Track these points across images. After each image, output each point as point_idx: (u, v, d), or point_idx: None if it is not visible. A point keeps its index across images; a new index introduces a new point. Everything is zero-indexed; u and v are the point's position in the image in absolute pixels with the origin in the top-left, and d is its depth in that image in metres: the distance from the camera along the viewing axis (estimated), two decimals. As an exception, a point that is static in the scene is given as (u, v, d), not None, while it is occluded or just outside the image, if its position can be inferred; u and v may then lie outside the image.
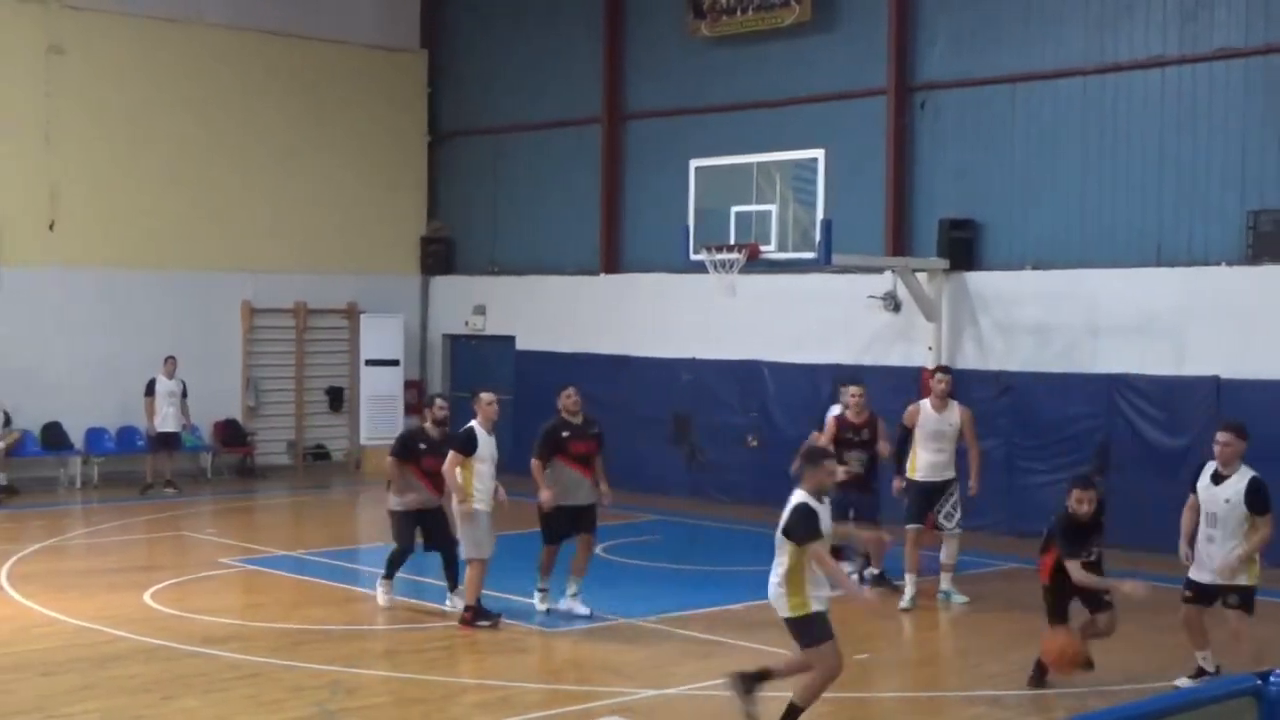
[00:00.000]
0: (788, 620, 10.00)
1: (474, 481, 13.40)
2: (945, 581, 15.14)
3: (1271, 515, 11.08)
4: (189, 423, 23.44)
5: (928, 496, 14.98)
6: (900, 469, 15.24)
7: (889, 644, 13.70)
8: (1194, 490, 11.38)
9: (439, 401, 14.43)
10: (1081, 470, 11.77)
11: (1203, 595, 11.39)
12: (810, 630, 9.93)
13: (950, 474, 15.02)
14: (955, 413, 15.11)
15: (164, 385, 22.85)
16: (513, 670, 11.94)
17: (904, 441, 15.20)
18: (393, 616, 14.16)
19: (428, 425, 14.26)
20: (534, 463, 13.97)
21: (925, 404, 15.18)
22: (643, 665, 12.34)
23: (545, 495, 13.78)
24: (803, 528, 9.77)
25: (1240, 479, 11.04)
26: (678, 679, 11.88)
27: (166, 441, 22.98)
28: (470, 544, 13.44)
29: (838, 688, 11.94)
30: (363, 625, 13.93)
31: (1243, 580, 11.17)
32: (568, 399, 14.20)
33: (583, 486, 13.99)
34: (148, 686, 11.40)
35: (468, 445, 13.45)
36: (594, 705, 11.03)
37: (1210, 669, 11.46)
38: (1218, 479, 11.14)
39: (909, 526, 14.98)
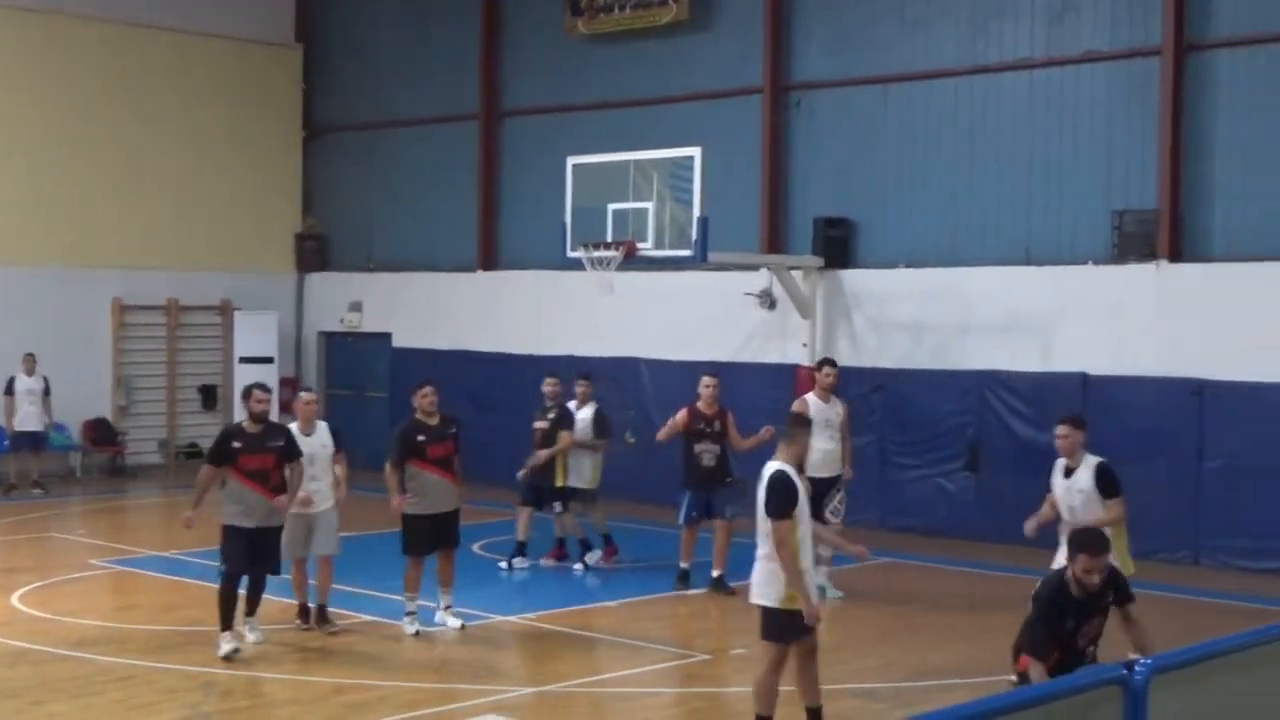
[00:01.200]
0: (760, 609, 9.74)
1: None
2: (821, 576, 15.25)
3: (1123, 498, 11.17)
4: (51, 421, 22.90)
5: (822, 490, 15.13)
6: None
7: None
8: (1050, 489, 11.43)
9: (257, 393, 12.67)
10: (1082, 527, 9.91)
11: None
12: (767, 623, 9.76)
13: (839, 468, 15.18)
14: (839, 404, 15.31)
15: (23, 383, 22.24)
16: (388, 670, 11.88)
17: None
18: (266, 617, 14.01)
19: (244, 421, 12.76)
20: (387, 467, 13.35)
21: (811, 397, 15.33)
22: (519, 663, 12.36)
23: (395, 501, 13.28)
24: (777, 499, 9.53)
25: (1087, 468, 11.15)
26: (554, 676, 11.91)
27: (29, 441, 22.41)
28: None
29: (707, 683, 12.07)
30: (236, 627, 13.76)
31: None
32: (424, 399, 13.52)
33: (445, 491, 13.36)
34: (16, 692, 11.19)
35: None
36: (471, 704, 11.02)
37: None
38: (1068, 473, 11.19)
39: None
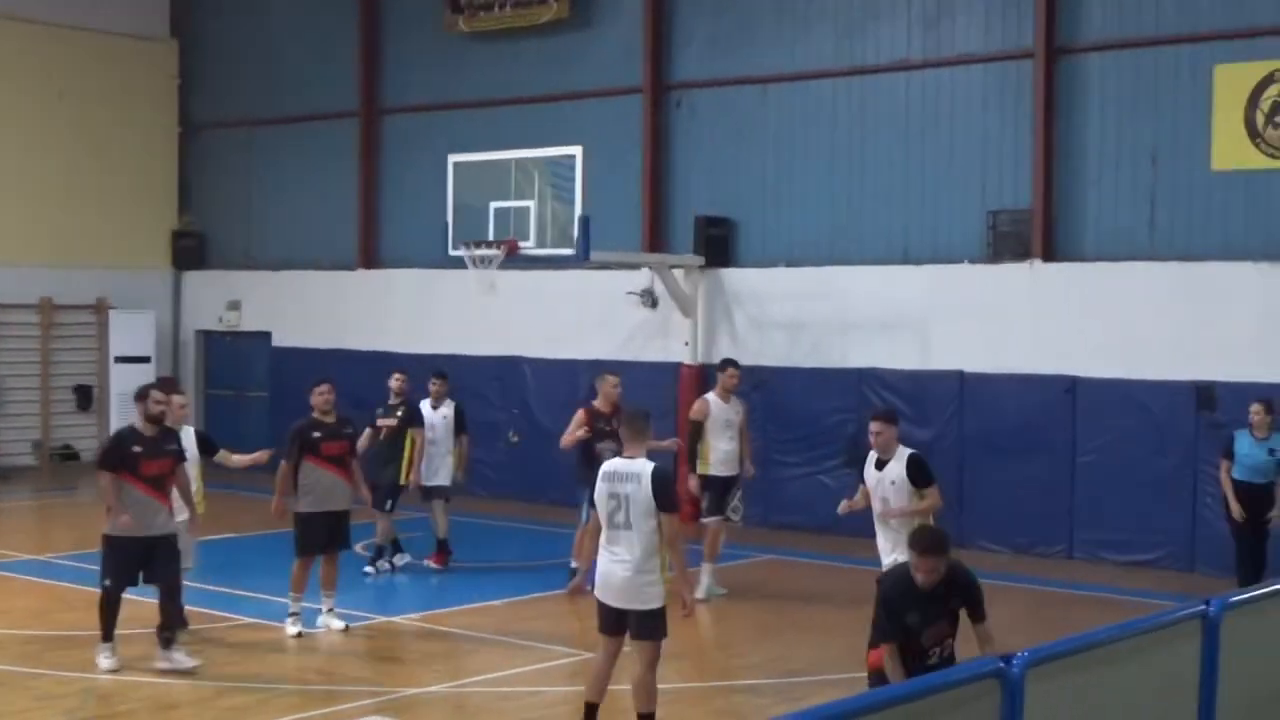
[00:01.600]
0: (653, 612, 9.67)
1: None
2: (706, 574, 15.35)
3: (937, 487, 11.20)
4: None
5: (725, 488, 15.27)
6: (693, 466, 15.38)
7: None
8: (862, 480, 11.44)
9: (154, 394, 11.96)
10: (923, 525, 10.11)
11: None
12: (664, 623, 9.80)
13: (739, 467, 15.43)
14: (740, 404, 15.56)
15: None
16: (271, 672, 11.78)
17: (695, 437, 15.35)
18: (145, 620, 13.83)
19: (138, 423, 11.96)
20: (282, 465, 13.30)
21: (711, 397, 15.45)
22: (404, 663, 12.30)
23: (275, 503, 13.22)
24: (675, 495, 9.78)
25: (899, 460, 11.13)
26: (440, 676, 11.89)
27: None
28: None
29: (615, 679, 12.09)
30: (127, 630, 13.55)
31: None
32: (319, 396, 13.52)
33: (338, 490, 13.35)
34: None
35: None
36: (355, 705, 10.97)
37: None
38: (880, 465, 11.19)
39: (710, 520, 15.23)
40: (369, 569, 16.13)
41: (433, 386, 16.70)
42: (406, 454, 16.20)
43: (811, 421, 19.74)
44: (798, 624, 14.16)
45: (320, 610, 13.34)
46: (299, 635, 13.01)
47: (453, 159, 19.60)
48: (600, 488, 9.75)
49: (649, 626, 9.68)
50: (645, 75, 21.50)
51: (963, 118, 19.09)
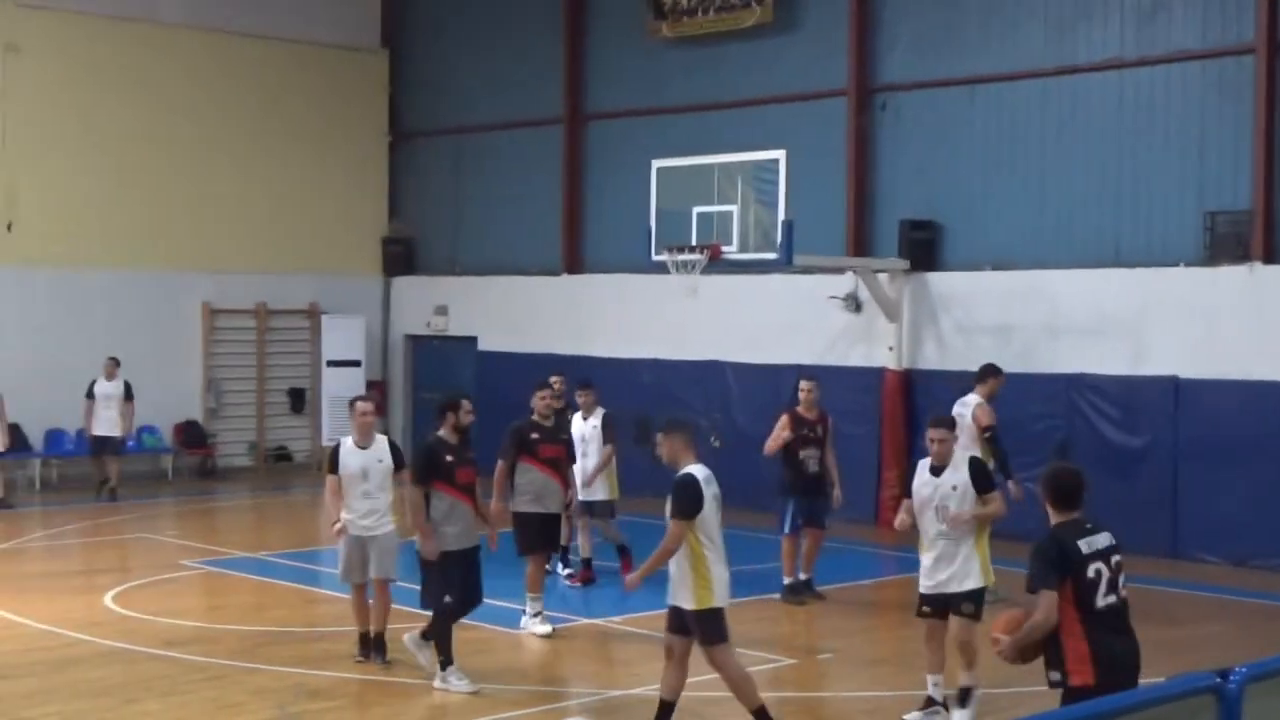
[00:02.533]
0: (695, 614, 9.82)
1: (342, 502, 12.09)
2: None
3: (1000, 492, 10.96)
4: (131, 426, 22.71)
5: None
6: (1008, 471, 14.87)
7: (852, 642, 13.75)
8: (909, 495, 10.86)
9: (465, 404, 11.92)
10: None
11: (939, 607, 10.73)
12: (718, 625, 9.88)
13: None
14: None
15: (103, 388, 22.11)
16: (479, 671, 11.89)
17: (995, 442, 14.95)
18: (341, 618, 14.12)
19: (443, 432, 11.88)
20: (499, 465, 13.47)
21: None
22: (605, 666, 12.35)
23: (495, 505, 13.12)
24: (687, 500, 9.74)
25: (958, 467, 10.72)
26: (641, 679, 11.89)
27: (104, 445, 22.19)
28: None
29: (794, 687, 12.02)
30: (325, 627, 13.88)
31: (972, 584, 10.65)
32: (541, 400, 13.67)
33: (551, 492, 13.55)
34: (108, 690, 11.35)
35: (331, 462, 12.24)
36: (559, 705, 11.06)
37: (939, 699, 10.77)
38: (936, 472, 10.72)
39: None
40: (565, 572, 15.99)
41: (581, 397, 15.91)
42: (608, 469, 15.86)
43: (1018, 427, 19.27)
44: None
45: (523, 612, 13.42)
46: (549, 634, 13.15)
47: (656, 164, 19.70)
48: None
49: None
50: (849, 78, 21.33)
51: (1178, 116, 18.55)
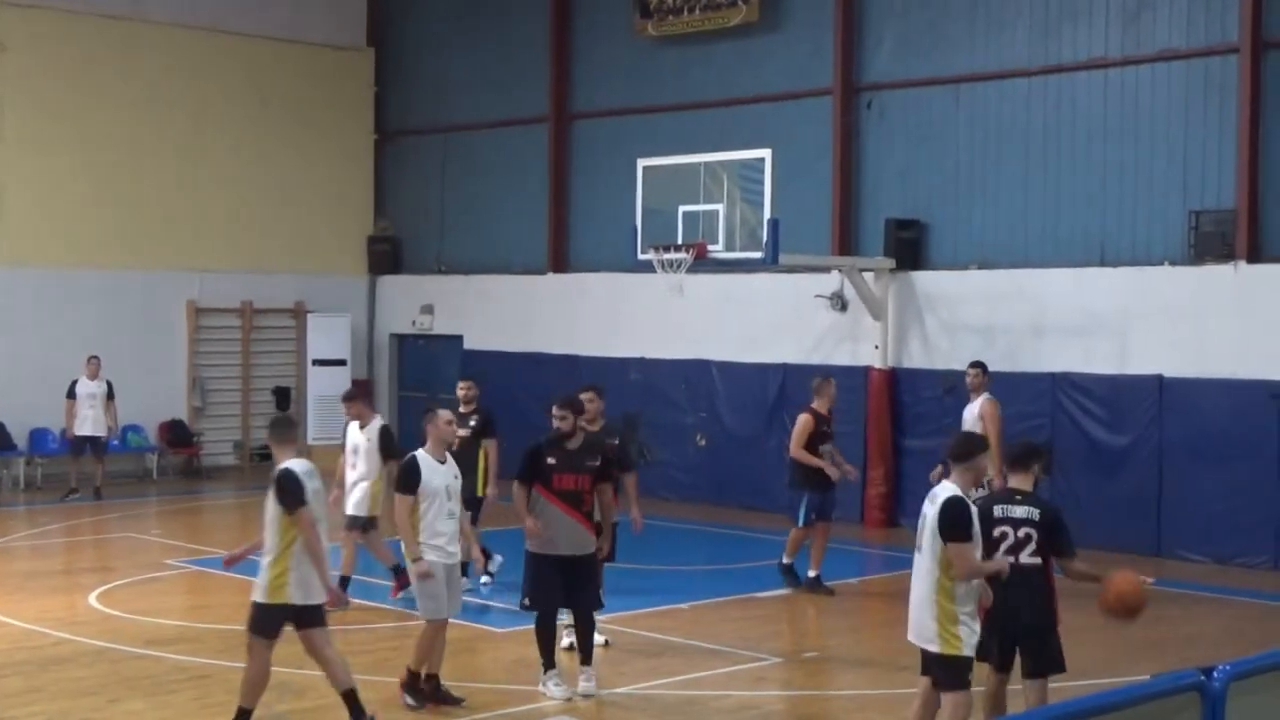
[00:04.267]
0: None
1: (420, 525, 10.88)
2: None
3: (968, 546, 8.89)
4: (115, 425, 22.60)
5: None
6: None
7: (838, 641, 13.76)
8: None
9: (555, 410, 11.42)
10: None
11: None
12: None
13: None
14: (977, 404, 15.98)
15: (85, 387, 21.95)
16: (461, 670, 11.87)
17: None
18: (341, 617, 14.08)
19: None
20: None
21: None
22: (593, 665, 12.32)
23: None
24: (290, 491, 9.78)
25: (935, 496, 8.95)
26: (627, 679, 11.89)
27: (88, 445, 22.08)
28: (422, 604, 11.03)
29: (783, 685, 12.03)
30: (310, 626, 13.84)
31: (933, 646, 8.86)
32: (589, 403, 12.16)
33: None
34: (93, 689, 11.33)
35: (410, 479, 10.91)
36: (543, 705, 11.04)
37: None
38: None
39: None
40: (485, 579, 15.05)
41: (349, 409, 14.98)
42: (482, 465, 14.95)
43: (1005, 428, 19.36)
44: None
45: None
46: (571, 647, 12.02)
47: (642, 163, 19.69)
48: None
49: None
50: (835, 77, 21.34)
51: (1163, 116, 18.59)
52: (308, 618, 9.98)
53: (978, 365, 16.41)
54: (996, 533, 9.11)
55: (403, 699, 10.90)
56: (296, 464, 9.93)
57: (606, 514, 11.74)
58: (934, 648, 8.75)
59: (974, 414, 15.82)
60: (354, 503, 14.51)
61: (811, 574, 15.39)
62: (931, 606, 8.69)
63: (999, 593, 8.94)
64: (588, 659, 11.37)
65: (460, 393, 15.43)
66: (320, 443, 26.11)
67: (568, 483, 11.22)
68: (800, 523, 15.35)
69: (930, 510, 8.79)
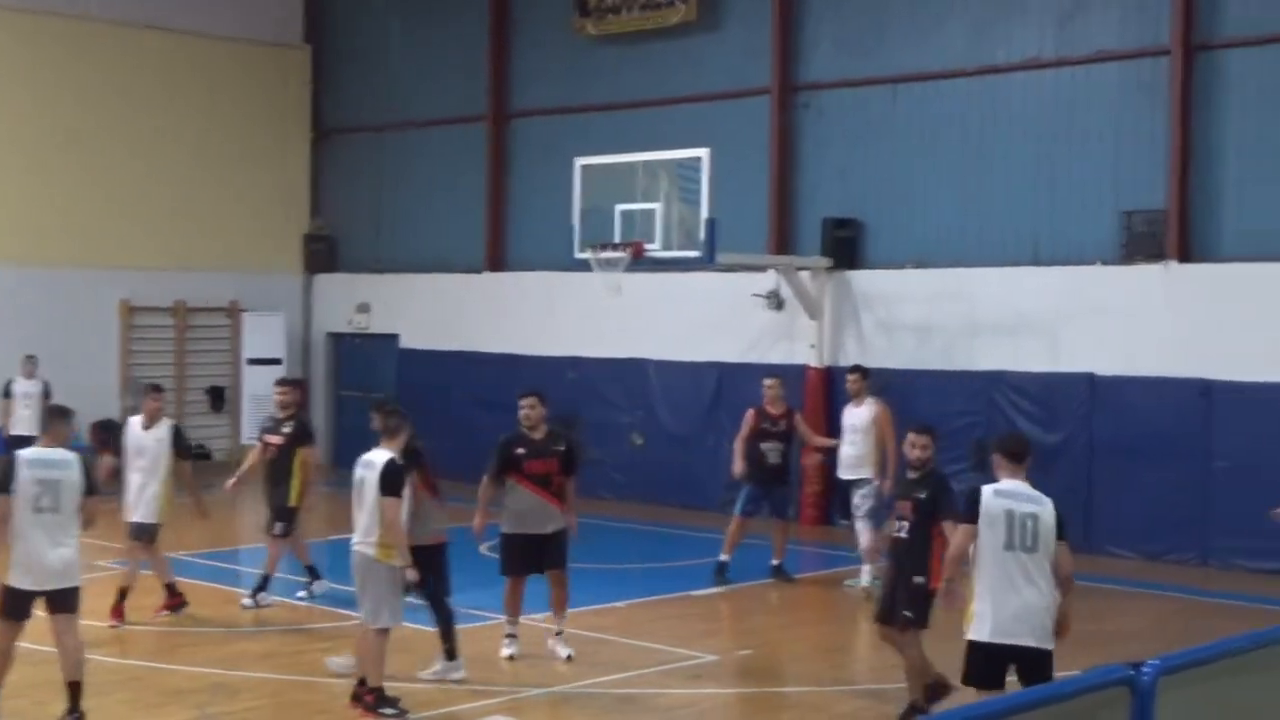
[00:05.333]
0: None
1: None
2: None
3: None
4: None
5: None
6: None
7: (773, 638, 13.80)
8: (974, 518, 8.99)
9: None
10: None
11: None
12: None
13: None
14: (867, 409, 15.78)
15: (21, 386, 21.63)
16: (398, 669, 11.82)
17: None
18: (273, 618, 14.01)
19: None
20: (484, 480, 12.24)
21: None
22: (529, 664, 12.31)
23: (477, 520, 12.18)
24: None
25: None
26: (564, 677, 11.88)
27: (25, 445, 21.89)
28: (389, 610, 10.93)
29: (719, 683, 12.04)
30: (243, 627, 13.76)
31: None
32: (530, 409, 12.30)
33: (543, 511, 12.19)
34: (20, 692, 11.16)
35: (401, 481, 10.93)
36: (481, 704, 11.01)
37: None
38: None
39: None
40: (247, 601, 14.28)
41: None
42: (297, 474, 14.37)
43: (938, 424, 19.19)
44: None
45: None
46: (511, 658, 12.21)
47: (579, 161, 19.68)
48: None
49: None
50: (773, 76, 21.40)
51: (1096, 117, 18.76)
52: (56, 602, 10.39)
53: (857, 370, 16.22)
54: None
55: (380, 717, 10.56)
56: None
57: (570, 499, 12.40)
58: (1050, 645, 8.84)
59: (863, 419, 15.61)
60: (142, 510, 13.69)
61: (774, 563, 15.83)
62: (1054, 607, 8.82)
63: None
64: (561, 613, 12.38)
65: (277, 398, 14.81)
66: (254, 442, 25.86)
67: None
68: (737, 510, 15.83)
69: (1034, 509, 8.83)
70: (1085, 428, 18.33)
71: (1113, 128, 18.62)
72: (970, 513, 8.87)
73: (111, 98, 25.02)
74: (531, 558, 12.29)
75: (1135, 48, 18.47)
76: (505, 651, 12.32)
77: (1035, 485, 9.07)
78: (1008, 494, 8.89)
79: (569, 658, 12.20)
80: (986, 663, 8.79)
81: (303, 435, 14.55)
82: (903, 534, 10.67)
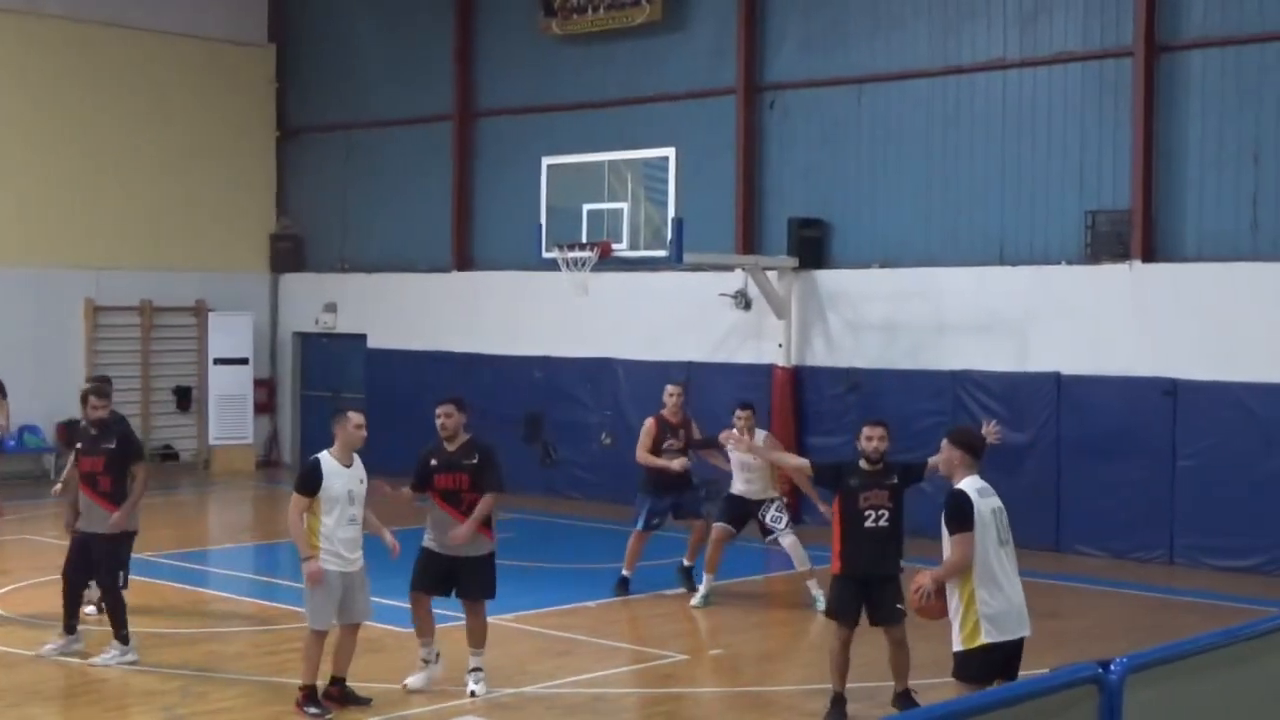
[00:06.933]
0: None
1: (319, 529, 10.63)
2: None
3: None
4: (8, 425, 22.21)
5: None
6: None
7: (744, 638, 13.84)
8: (971, 525, 8.79)
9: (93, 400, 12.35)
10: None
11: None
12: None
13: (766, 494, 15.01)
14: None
15: None
16: (368, 670, 11.80)
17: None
18: (244, 619, 13.98)
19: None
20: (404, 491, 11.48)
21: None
22: (499, 663, 12.31)
23: (386, 538, 11.02)
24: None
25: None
26: (534, 677, 11.90)
27: None
28: (307, 609, 10.84)
29: (689, 683, 12.07)
30: (212, 628, 13.75)
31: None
32: (446, 418, 11.33)
33: (451, 529, 11.20)
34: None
35: (309, 481, 10.67)
36: (451, 704, 11.02)
37: None
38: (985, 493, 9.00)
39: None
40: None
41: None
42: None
43: (905, 423, 19.44)
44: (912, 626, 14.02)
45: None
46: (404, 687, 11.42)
47: (546, 161, 19.69)
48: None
49: None
50: (738, 76, 21.45)
51: (1060, 117, 18.87)
52: None
53: (748, 407, 14.89)
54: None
55: (305, 716, 10.57)
56: None
57: (479, 515, 11.24)
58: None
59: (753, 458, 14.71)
60: None
61: (685, 563, 15.43)
62: None
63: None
64: (475, 646, 11.31)
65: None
66: (222, 443, 25.90)
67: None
68: (638, 525, 15.24)
69: (999, 502, 8.94)
70: (1052, 427, 18.43)
71: (1077, 128, 18.74)
72: (968, 521, 8.72)
73: (75, 96, 24.88)
74: (440, 578, 11.26)
75: (1098, 49, 18.58)
76: (410, 681, 11.37)
77: (996, 486, 9.10)
78: (985, 492, 8.92)
79: (472, 694, 11.15)
80: (994, 662, 8.72)
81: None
82: (883, 523, 10.74)
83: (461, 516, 11.11)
